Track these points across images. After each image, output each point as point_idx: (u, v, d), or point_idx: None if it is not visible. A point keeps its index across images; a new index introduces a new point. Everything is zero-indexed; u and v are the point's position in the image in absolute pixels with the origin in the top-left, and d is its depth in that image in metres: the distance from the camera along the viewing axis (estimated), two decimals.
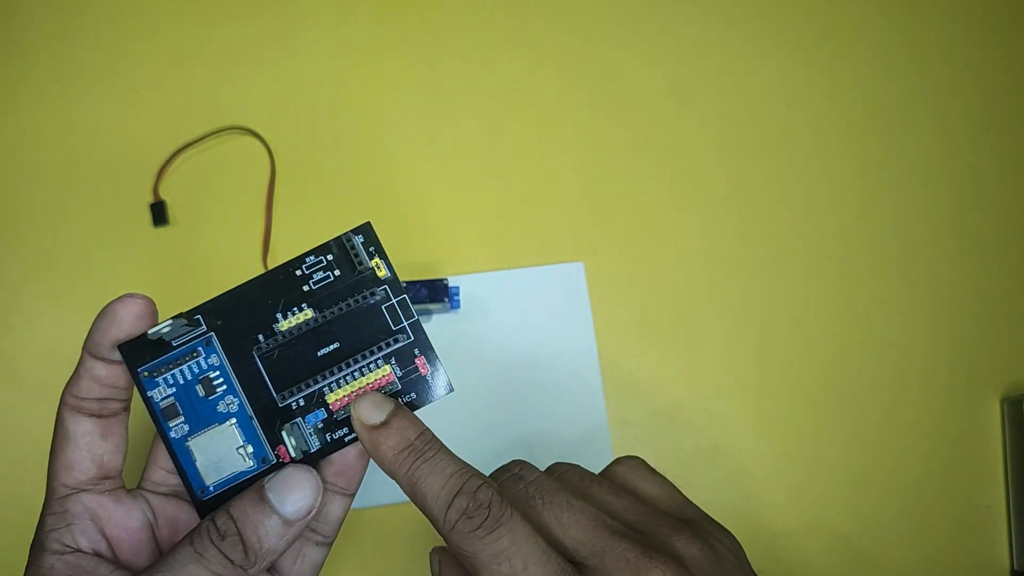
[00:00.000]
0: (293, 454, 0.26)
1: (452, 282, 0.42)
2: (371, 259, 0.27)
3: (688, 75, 0.49)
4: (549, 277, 0.44)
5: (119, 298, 0.27)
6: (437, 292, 0.41)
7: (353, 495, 0.29)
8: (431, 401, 0.27)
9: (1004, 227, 0.46)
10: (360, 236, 0.28)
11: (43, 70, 0.48)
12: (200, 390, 0.27)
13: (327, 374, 0.27)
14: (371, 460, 0.27)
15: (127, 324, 0.26)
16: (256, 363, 0.27)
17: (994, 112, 0.48)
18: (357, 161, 0.47)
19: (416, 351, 0.27)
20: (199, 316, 0.27)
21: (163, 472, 0.28)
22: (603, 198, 0.46)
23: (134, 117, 0.47)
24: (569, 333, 0.43)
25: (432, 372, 0.27)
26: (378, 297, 0.27)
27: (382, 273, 0.27)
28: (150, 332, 0.26)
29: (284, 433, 0.27)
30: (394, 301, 0.27)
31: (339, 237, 0.27)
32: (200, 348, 0.27)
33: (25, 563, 0.26)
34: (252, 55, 0.48)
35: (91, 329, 0.27)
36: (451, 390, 0.27)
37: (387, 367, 0.27)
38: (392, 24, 0.49)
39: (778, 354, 0.44)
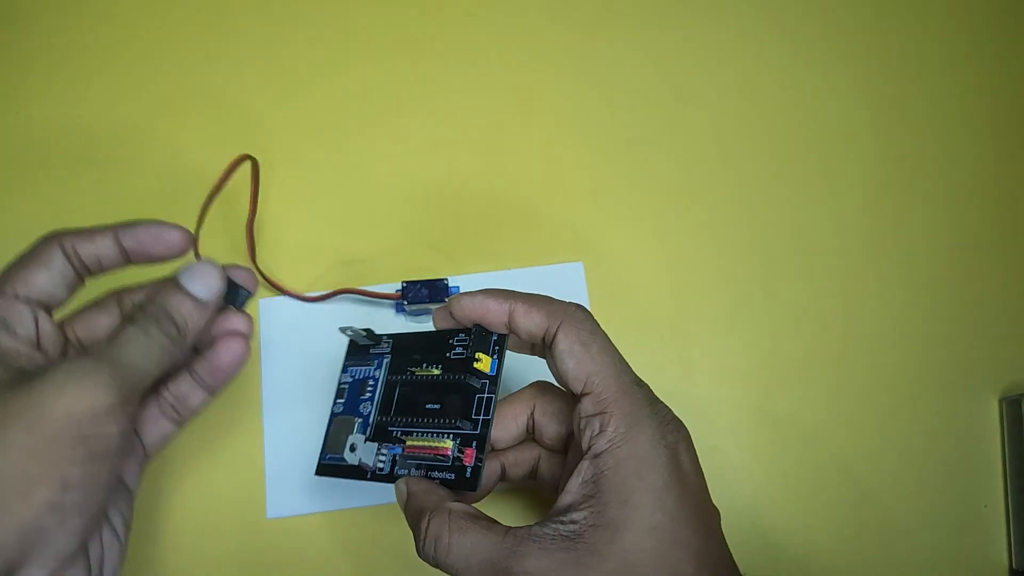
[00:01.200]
0: (348, 457, 0.33)
1: (452, 282, 0.42)
2: (484, 352, 0.31)
3: (688, 75, 0.49)
4: (549, 277, 0.44)
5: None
6: (437, 292, 0.41)
7: (213, 394, 0.34)
8: (459, 489, 0.29)
9: (1003, 227, 0.46)
10: (492, 335, 0.32)
11: (43, 65, 0.48)
12: (359, 388, 0.34)
13: (419, 421, 0.31)
14: (231, 374, 0.33)
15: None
16: (396, 389, 0.33)
17: (994, 112, 0.48)
18: (357, 161, 0.47)
19: (473, 443, 0.30)
20: (388, 339, 0.34)
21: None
22: (603, 198, 0.46)
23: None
24: None
25: (471, 468, 0.29)
26: (476, 386, 0.31)
27: (482, 367, 0.31)
28: (346, 330, 0.35)
29: (352, 441, 0.33)
30: (485, 395, 0.30)
31: (478, 326, 0.31)
32: (377, 361, 0.34)
33: None
34: (250, 43, 0.48)
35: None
36: (473, 489, 0.29)
37: (450, 442, 0.30)
38: (393, 23, 0.49)
39: (777, 354, 0.44)
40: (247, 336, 0.33)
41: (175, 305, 0.30)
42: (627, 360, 0.31)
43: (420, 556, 0.28)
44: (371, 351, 0.33)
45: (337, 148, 0.47)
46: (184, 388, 0.33)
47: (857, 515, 0.42)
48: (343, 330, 0.33)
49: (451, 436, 0.30)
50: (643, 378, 0.43)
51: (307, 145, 0.47)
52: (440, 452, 0.30)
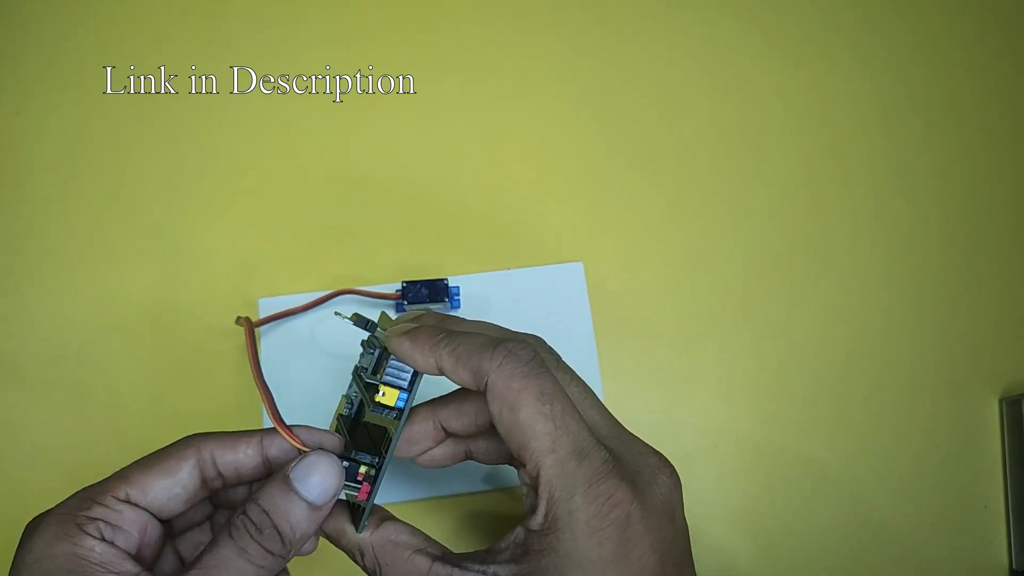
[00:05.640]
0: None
1: (452, 282, 0.42)
2: (392, 385, 0.29)
3: (688, 75, 0.49)
4: (549, 277, 0.44)
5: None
6: (437, 292, 0.41)
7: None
8: (357, 520, 0.29)
9: (1003, 227, 0.46)
10: (405, 372, 0.29)
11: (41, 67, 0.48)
12: (352, 378, 0.31)
13: (363, 435, 0.30)
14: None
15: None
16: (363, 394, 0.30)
17: (993, 112, 0.48)
18: (357, 160, 0.47)
19: (374, 475, 0.29)
20: (375, 336, 0.30)
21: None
22: (602, 198, 0.46)
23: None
24: (569, 333, 0.43)
25: (365, 502, 0.29)
26: (389, 417, 0.29)
27: (387, 400, 0.29)
28: (339, 314, 0.31)
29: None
30: (380, 424, 0.29)
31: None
32: (371, 356, 0.30)
33: None
34: (247, 44, 0.48)
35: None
36: (356, 528, 0.29)
37: (364, 468, 0.29)
38: (390, 23, 0.49)
39: (777, 354, 0.44)
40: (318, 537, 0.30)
41: (284, 512, 0.26)
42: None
43: None
44: (373, 344, 0.31)
45: (336, 147, 0.47)
46: None
47: (857, 515, 0.42)
48: (337, 314, 0.31)
49: (367, 461, 0.29)
50: (643, 379, 0.43)
51: (306, 145, 0.47)
52: (360, 476, 0.29)
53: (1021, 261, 0.46)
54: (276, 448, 0.28)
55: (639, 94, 0.48)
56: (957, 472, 0.42)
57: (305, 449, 0.28)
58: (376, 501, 0.29)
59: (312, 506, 0.26)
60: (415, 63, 0.48)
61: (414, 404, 0.30)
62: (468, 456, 0.32)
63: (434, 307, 0.42)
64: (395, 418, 0.29)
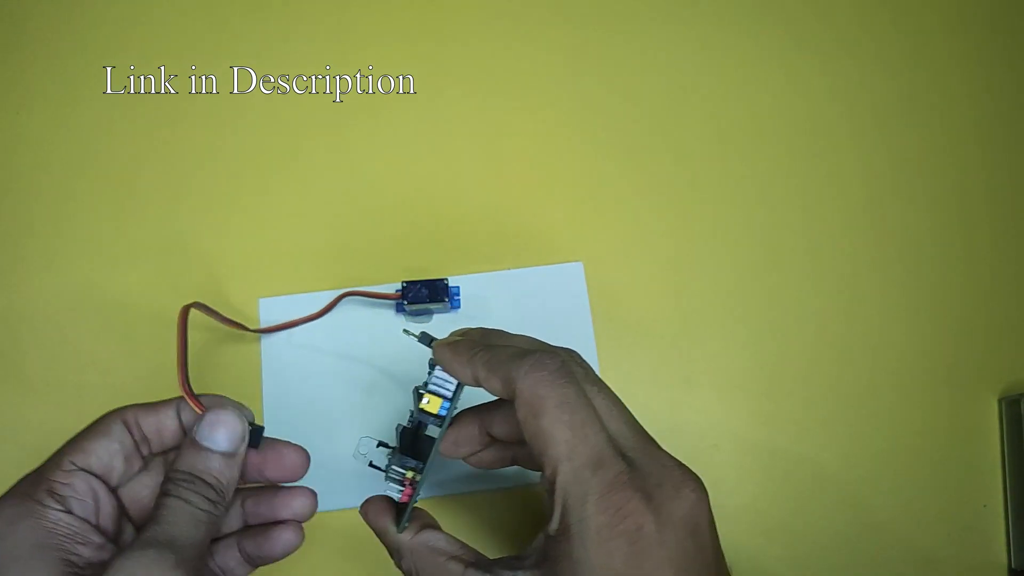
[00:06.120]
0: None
1: (452, 282, 0.42)
2: (436, 394, 0.30)
3: (686, 76, 0.49)
4: (549, 277, 0.44)
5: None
6: (437, 292, 0.41)
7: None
8: (400, 520, 0.31)
9: (1003, 227, 0.46)
10: (450, 383, 0.30)
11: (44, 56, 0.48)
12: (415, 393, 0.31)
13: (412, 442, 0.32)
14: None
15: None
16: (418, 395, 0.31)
17: (995, 112, 0.48)
18: (357, 160, 0.47)
19: (417, 481, 0.30)
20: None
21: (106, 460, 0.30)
22: (602, 198, 0.46)
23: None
24: (569, 333, 0.43)
25: (406, 506, 0.30)
26: (430, 430, 0.31)
27: (430, 408, 0.30)
28: (409, 333, 0.32)
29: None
30: (432, 435, 0.31)
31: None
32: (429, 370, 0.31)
33: None
34: (249, 41, 0.48)
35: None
36: (397, 526, 0.30)
37: (411, 473, 0.31)
38: (390, 23, 0.49)
39: (777, 354, 0.44)
40: (305, 518, 0.33)
41: (202, 468, 0.29)
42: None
43: None
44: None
45: (336, 148, 0.47)
46: (232, 563, 0.32)
47: (856, 514, 0.42)
48: (406, 332, 0.32)
49: (411, 466, 0.31)
50: (643, 379, 0.43)
51: (306, 145, 0.47)
52: (406, 481, 0.30)
53: (1020, 260, 0.46)
54: (188, 413, 0.31)
55: (638, 94, 0.48)
56: (956, 471, 0.42)
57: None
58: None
59: (225, 455, 0.29)
60: (415, 63, 0.48)
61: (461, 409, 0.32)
62: (514, 461, 0.33)
63: (434, 307, 0.42)
64: (438, 425, 0.30)
